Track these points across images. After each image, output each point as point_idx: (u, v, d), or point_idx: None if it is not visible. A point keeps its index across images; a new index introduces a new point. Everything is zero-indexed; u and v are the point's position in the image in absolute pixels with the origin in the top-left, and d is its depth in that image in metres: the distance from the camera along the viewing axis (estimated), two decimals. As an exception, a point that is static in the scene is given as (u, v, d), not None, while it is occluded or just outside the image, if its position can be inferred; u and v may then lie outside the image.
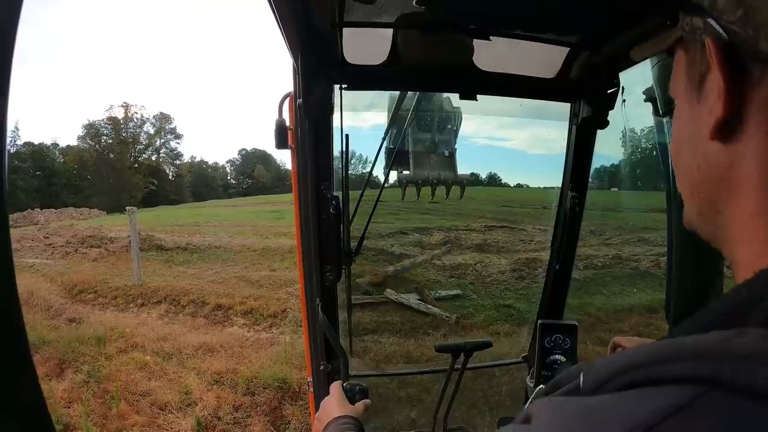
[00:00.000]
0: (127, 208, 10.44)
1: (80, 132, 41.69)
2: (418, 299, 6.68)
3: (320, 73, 1.17)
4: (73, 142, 41.95)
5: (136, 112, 42.47)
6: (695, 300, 1.29)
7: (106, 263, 10.23)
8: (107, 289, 8.20)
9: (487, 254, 8.77)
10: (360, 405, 0.99)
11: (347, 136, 1.24)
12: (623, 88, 1.37)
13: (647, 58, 0.49)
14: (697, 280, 1.30)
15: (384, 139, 1.49)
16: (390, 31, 1.20)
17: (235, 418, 4.37)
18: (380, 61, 1.25)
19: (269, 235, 12.58)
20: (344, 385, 1.04)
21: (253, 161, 51.25)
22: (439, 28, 1.17)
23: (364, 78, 1.30)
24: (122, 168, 40.02)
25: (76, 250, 11.55)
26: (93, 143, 40.90)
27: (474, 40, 1.21)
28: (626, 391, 0.29)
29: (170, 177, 45.62)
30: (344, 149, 1.25)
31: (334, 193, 1.29)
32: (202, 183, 49.09)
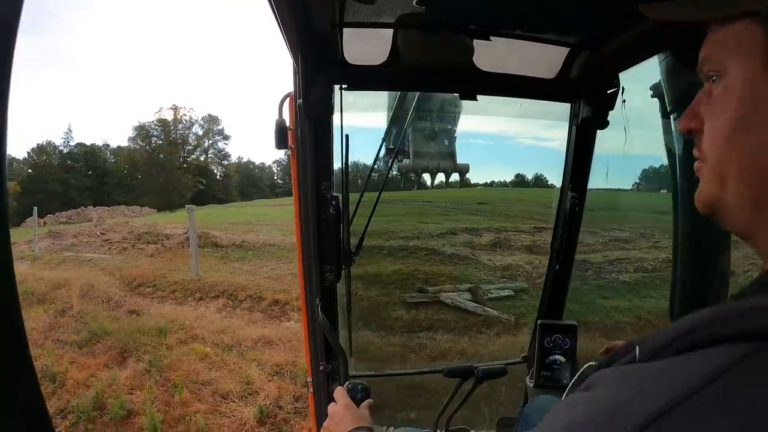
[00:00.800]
0: (186, 206, 10.75)
1: (131, 133, 42.65)
2: (471, 300, 6.66)
3: (320, 73, 1.16)
4: (124, 143, 43.17)
5: (185, 114, 43.40)
6: (698, 300, 1.28)
7: (162, 259, 10.38)
8: (165, 284, 8.33)
9: (536, 255, 8.68)
10: (365, 408, 0.98)
11: (347, 136, 1.24)
12: (623, 89, 1.36)
13: (711, 17, 0.41)
14: (700, 281, 1.30)
15: (384, 139, 1.49)
16: (390, 32, 1.20)
17: (295, 407, 4.50)
18: (380, 62, 1.25)
19: (323, 234, 12.60)
20: (347, 384, 1.04)
21: (299, 161, 51.07)
22: (440, 28, 1.17)
23: (364, 78, 1.30)
24: (172, 168, 40.97)
25: (133, 246, 11.72)
26: (143, 144, 42.05)
27: (474, 40, 1.21)
28: (682, 354, 0.30)
29: (218, 177, 46.36)
30: (344, 149, 1.25)
31: (334, 194, 1.29)
32: (249, 183, 49.20)
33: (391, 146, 1.50)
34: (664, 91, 1.26)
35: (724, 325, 0.29)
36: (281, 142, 1.29)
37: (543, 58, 1.35)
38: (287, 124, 1.29)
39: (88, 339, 5.98)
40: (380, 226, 10.55)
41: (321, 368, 1.39)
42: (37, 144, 38.00)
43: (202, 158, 44.58)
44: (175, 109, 42.69)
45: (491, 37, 1.21)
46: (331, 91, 1.22)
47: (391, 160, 1.49)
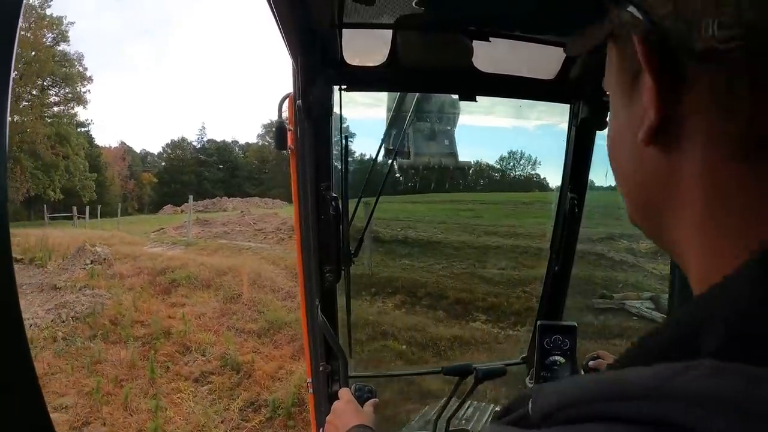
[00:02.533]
0: (362, 199, 11.01)
1: (260, 131, 45.78)
2: (656, 309, 6.58)
3: (320, 74, 1.17)
4: (251, 140, 47.05)
5: (311, 113, 46.49)
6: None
7: (323, 251, 10.35)
8: (334, 276, 8.26)
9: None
10: (370, 408, 0.99)
11: (347, 136, 1.25)
12: None
13: (581, 54, 0.47)
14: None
15: (383, 140, 1.49)
16: (390, 32, 1.20)
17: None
18: (380, 62, 1.25)
19: (480, 233, 12.22)
20: (354, 386, 1.05)
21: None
22: (439, 29, 1.18)
23: (363, 79, 1.30)
24: (300, 164, 43.62)
25: (290, 237, 11.64)
26: (273, 141, 44.84)
27: (473, 41, 1.21)
28: (571, 425, 0.27)
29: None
30: (344, 150, 1.25)
31: (334, 194, 1.29)
32: (371, 179, 52.44)
33: (391, 147, 1.50)
34: None
35: (613, 404, 0.25)
36: (280, 142, 1.29)
37: (542, 59, 1.35)
38: (286, 124, 1.29)
39: (267, 329, 5.85)
40: (536, 228, 10.49)
41: (321, 369, 1.39)
42: (171, 140, 42.81)
43: (327, 154, 48.42)
44: (302, 107, 46.40)
45: (490, 38, 1.21)
46: (331, 91, 1.22)
47: (391, 161, 1.49)
